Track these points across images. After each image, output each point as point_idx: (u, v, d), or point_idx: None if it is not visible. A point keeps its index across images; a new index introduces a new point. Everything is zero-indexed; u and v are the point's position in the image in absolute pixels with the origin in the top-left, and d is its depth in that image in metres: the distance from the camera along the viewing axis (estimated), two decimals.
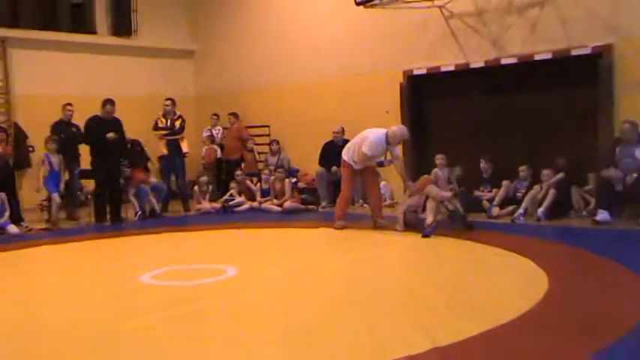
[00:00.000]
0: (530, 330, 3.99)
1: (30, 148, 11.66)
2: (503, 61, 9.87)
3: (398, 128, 8.65)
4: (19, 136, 11.74)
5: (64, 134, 10.52)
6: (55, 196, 9.82)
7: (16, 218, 9.55)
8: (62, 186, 10.12)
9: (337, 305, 4.87)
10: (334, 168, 10.97)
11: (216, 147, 13.19)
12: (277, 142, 12.60)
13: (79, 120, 10.65)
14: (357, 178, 9.05)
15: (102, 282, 6.03)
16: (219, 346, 3.92)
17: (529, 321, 4.16)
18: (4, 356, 3.90)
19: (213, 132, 13.41)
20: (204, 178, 11.85)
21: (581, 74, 9.17)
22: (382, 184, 11.30)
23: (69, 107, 11.05)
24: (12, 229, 9.11)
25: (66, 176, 10.55)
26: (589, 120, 9.04)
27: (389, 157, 8.87)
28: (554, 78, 9.53)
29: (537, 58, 9.47)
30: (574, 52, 9.11)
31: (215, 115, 13.56)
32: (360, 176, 9.01)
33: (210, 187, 11.99)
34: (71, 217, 10.80)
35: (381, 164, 8.94)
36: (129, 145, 11.01)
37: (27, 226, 9.63)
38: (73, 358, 3.83)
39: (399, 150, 8.89)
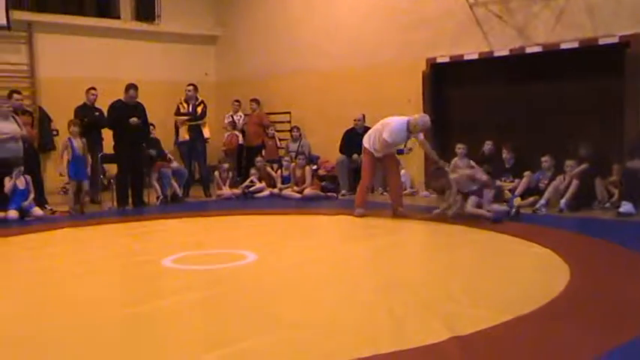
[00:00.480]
0: (552, 321, 3.96)
1: (54, 132, 11.77)
2: (529, 50, 9.78)
3: (420, 117, 8.54)
4: (44, 120, 11.86)
5: (87, 118, 10.59)
6: (74, 183, 9.88)
7: (39, 201, 9.65)
8: (88, 170, 10.15)
9: (357, 292, 4.88)
10: (355, 155, 10.96)
11: (237, 133, 13.21)
12: (298, 129, 12.61)
13: (103, 104, 10.73)
14: (377, 165, 8.93)
15: (123, 265, 6.09)
16: (239, 329, 3.94)
17: (550, 312, 4.13)
18: (26, 336, 3.95)
19: (235, 118, 13.43)
20: (225, 165, 11.87)
21: (608, 64, 9.07)
22: (402, 172, 11.27)
23: (92, 91, 11.14)
24: (36, 211, 9.21)
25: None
26: (615, 110, 8.94)
27: (409, 145, 8.82)
28: (580, 67, 9.43)
29: (563, 47, 9.38)
30: (601, 42, 8.99)
31: (237, 101, 13.59)
32: (380, 164, 8.90)
33: (230, 173, 12.03)
34: (93, 201, 10.89)
35: (401, 152, 8.87)
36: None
37: (51, 209, 9.75)
38: (92, 338, 3.87)
39: (422, 135, 8.73)
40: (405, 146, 8.81)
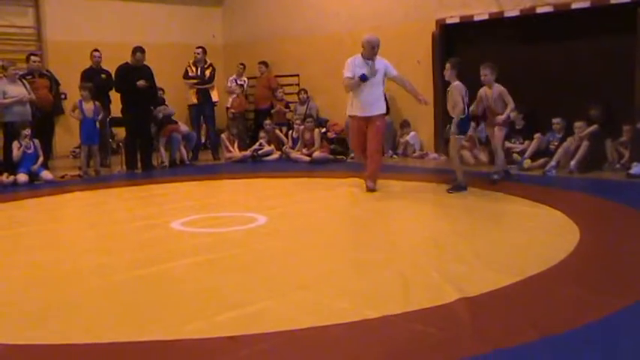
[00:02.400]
0: (561, 282, 3.98)
1: (62, 96, 11.74)
2: (539, 10, 9.65)
3: (365, 35, 7.79)
4: (52, 83, 11.81)
5: (93, 81, 10.53)
6: (85, 147, 9.91)
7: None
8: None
9: (366, 254, 4.89)
10: None
11: (243, 96, 13.19)
12: (306, 92, 12.54)
13: (110, 67, 10.69)
14: (362, 131, 7.80)
15: (133, 228, 6.12)
16: (250, 291, 3.97)
17: (560, 273, 4.14)
18: (34, 298, 4.00)
19: (238, 82, 13.31)
20: (234, 129, 11.83)
21: (620, 23, 8.93)
22: (412, 134, 11.25)
23: (96, 53, 11.05)
24: (46, 175, 9.23)
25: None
26: (626, 71, 8.84)
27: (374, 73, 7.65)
28: (592, 27, 9.29)
29: (575, 6, 9.24)
30: (613, 1, 8.85)
31: (241, 64, 13.46)
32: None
33: (239, 136, 12.01)
34: (103, 164, 10.92)
35: (364, 78, 7.56)
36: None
37: (63, 175, 9.75)
38: (103, 301, 3.91)
39: (395, 70, 7.88)
40: (367, 72, 7.55)
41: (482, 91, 8.10)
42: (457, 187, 7.36)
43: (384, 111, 7.86)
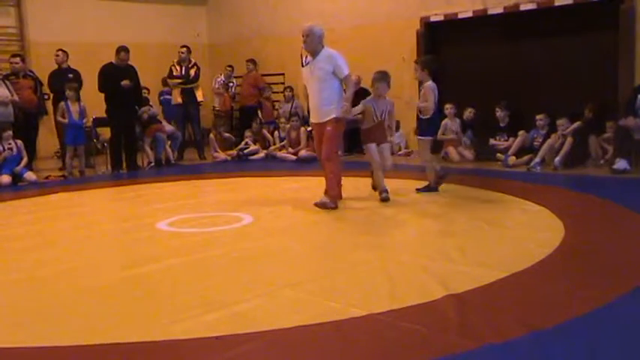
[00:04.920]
0: (547, 277, 4.00)
1: (46, 96, 11.66)
2: (523, 7, 9.71)
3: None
4: (36, 84, 11.72)
5: (61, 82, 10.35)
6: (71, 148, 9.88)
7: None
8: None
9: (352, 253, 4.88)
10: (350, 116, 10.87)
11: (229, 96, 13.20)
12: (291, 89, 12.52)
13: (93, 68, 10.60)
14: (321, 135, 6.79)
15: (119, 229, 6.11)
16: (237, 290, 3.96)
17: (545, 268, 4.17)
18: (20, 301, 3.97)
19: (225, 81, 13.29)
20: (221, 128, 11.83)
21: (602, 20, 9.01)
22: (397, 133, 11.25)
23: (58, 52, 10.87)
24: (29, 176, 9.17)
25: None
26: (609, 67, 8.90)
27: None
28: (575, 24, 9.38)
29: (557, 3, 9.31)
30: None
31: (230, 66, 13.41)
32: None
33: (225, 135, 12.00)
34: (87, 165, 10.85)
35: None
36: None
37: (47, 176, 9.69)
38: (90, 302, 3.89)
39: (345, 70, 6.65)
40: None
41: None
42: (427, 188, 7.12)
43: (332, 115, 6.50)
